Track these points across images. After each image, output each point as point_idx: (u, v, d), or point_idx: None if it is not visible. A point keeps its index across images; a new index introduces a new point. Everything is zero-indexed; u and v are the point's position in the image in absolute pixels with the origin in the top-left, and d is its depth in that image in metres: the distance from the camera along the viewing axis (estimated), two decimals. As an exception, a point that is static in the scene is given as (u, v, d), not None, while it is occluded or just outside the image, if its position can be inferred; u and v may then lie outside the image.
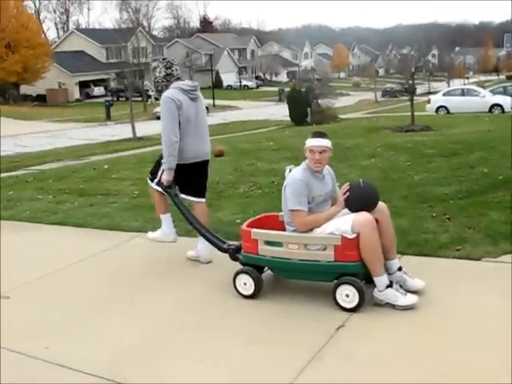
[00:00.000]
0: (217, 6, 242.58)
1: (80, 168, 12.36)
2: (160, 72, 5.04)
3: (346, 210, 4.09)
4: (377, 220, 3.97)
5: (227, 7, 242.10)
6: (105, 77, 56.28)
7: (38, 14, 77.30)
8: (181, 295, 4.50)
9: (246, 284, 4.26)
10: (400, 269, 4.14)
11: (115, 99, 50.09)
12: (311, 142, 4.13)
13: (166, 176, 4.91)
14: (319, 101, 28.57)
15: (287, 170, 4.33)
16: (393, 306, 3.88)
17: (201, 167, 5.12)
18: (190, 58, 67.50)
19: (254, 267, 4.28)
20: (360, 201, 4.03)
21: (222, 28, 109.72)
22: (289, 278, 4.39)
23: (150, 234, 5.46)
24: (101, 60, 61.82)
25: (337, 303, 3.92)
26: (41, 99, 53.80)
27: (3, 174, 12.53)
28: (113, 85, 56.96)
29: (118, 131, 27.65)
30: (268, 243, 4.19)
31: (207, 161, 5.20)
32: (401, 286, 3.98)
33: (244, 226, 4.38)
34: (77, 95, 58.53)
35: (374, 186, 4.19)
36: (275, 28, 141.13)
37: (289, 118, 27.94)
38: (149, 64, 44.57)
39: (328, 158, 4.17)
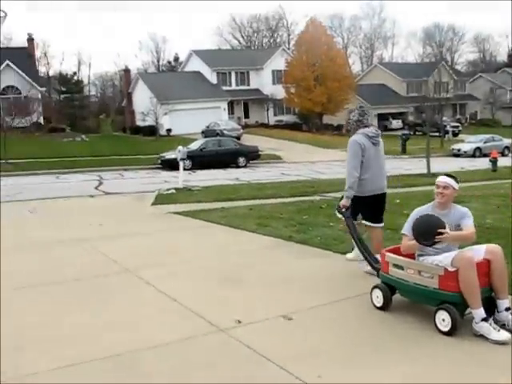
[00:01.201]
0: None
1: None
2: (354, 116, 6.23)
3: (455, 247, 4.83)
4: (489, 260, 4.55)
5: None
6: (403, 110, 56.70)
7: (346, 49, 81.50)
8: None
9: (378, 297, 5.10)
10: (508, 309, 4.49)
11: (412, 133, 50.00)
12: (438, 179, 5.01)
13: (343, 202, 6.13)
14: None
15: None
16: (486, 339, 4.29)
17: (377, 198, 6.28)
18: (494, 94, 64.33)
19: (387, 285, 5.06)
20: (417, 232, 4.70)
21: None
22: (406, 297, 5.09)
23: (348, 255, 6.77)
24: (401, 93, 62.58)
25: (435, 325, 4.52)
26: (340, 129, 56.31)
27: (300, 198, 13.30)
28: (411, 118, 57.10)
29: (413, 165, 27.49)
30: (395, 266, 4.98)
31: (384, 193, 6.36)
32: (504, 325, 4.39)
33: (384, 250, 5.21)
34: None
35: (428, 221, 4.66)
36: None
37: None
38: (449, 99, 43.56)
39: (450, 195, 4.90)
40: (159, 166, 28.82)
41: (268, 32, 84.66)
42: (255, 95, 57.90)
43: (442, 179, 4.98)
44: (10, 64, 45.02)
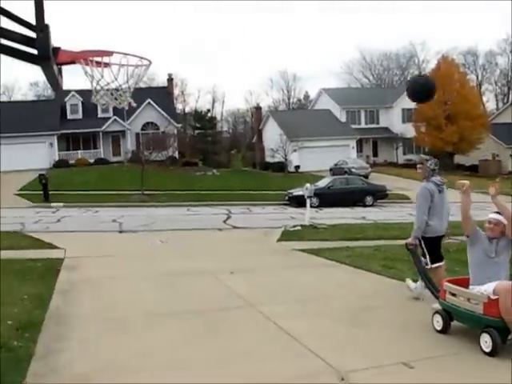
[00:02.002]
0: None
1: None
2: (431, 165, 7.09)
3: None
4: None
5: None
6: (543, 151, 53.50)
7: (480, 86, 78.42)
8: None
9: (438, 322, 5.72)
10: None
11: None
12: (489, 215, 5.72)
13: (410, 239, 6.99)
14: None
15: None
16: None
17: (439, 239, 7.10)
18: None
19: (445, 311, 5.68)
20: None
21: None
22: (459, 322, 5.58)
23: (409, 282, 7.42)
24: (541, 134, 59.03)
25: (480, 346, 5.07)
26: (472, 169, 54.06)
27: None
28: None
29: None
30: (450, 294, 5.62)
31: (444, 235, 7.19)
32: None
33: (443, 280, 5.89)
34: (510, 167, 56.87)
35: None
36: None
37: None
38: None
39: (498, 230, 5.57)
40: (286, 202, 29.14)
41: (398, 70, 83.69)
42: (384, 134, 57.23)
43: (491, 215, 5.73)
44: (151, 102, 47.91)
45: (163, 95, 50.76)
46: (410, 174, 46.98)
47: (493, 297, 5.07)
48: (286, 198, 29.38)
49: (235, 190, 34.20)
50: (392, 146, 56.74)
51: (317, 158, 46.78)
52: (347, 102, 57.28)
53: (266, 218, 21.33)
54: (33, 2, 3.37)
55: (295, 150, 47.17)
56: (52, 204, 26.68)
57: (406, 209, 27.70)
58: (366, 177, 38.89)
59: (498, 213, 5.60)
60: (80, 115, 48.90)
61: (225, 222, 19.84)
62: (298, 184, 29.08)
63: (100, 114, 48.30)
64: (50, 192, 28.24)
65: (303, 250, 11.70)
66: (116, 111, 46.99)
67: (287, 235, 14.44)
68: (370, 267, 9.42)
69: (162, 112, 48.12)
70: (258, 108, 62.06)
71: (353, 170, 41.37)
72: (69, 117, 48.56)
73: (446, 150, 51.85)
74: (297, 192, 27.13)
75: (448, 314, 5.63)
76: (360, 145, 55.74)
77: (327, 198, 27.93)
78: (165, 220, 19.69)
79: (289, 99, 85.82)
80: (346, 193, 29.57)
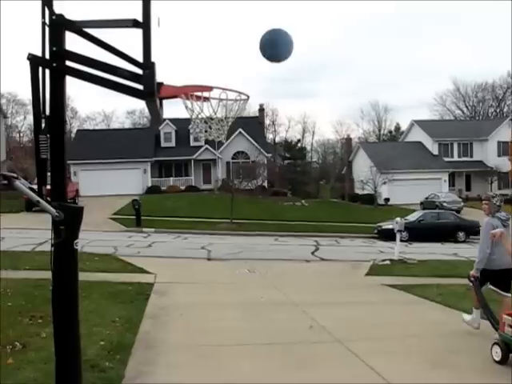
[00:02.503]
0: None
1: None
2: (497, 202, 7.44)
3: None
4: None
5: None
6: None
7: None
8: None
9: (497, 352, 5.97)
10: None
11: None
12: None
13: (473, 272, 7.24)
14: None
15: None
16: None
17: (506, 272, 7.11)
18: None
19: (504, 342, 5.92)
20: None
21: None
22: None
23: (465, 316, 7.68)
24: None
25: None
26: None
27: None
28: None
29: None
30: (508, 326, 5.90)
31: (510, 269, 7.03)
32: None
33: (502, 313, 6.19)
34: None
35: None
36: None
37: None
38: None
39: None
40: (375, 235, 28.65)
41: (494, 102, 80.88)
42: (478, 167, 55.33)
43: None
44: (242, 132, 48.79)
45: (254, 125, 51.57)
46: (505, 210, 45.14)
47: None
48: (375, 231, 28.88)
49: (323, 221, 34.01)
50: (486, 180, 54.69)
51: (407, 191, 45.87)
52: (440, 135, 55.96)
53: (354, 250, 21.05)
54: (141, 41, 3.55)
55: (385, 183, 46.45)
56: (144, 229, 27.50)
57: (501, 247, 26.53)
58: (458, 211, 37.68)
59: None
60: (173, 143, 50.55)
61: (313, 253, 19.73)
62: (388, 217, 28.60)
63: (192, 143, 49.73)
64: (143, 217, 29.13)
65: (392, 286, 11.44)
66: (208, 141, 48.16)
67: (376, 269, 14.18)
68: (462, 306, 9.05)
69: (253, 142, 48.85)
70: (349, 139, 61.90)
71: (444, 204, 40.25)
72: (162, 145, 50.35)
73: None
74: (386, 225, 26.60)
75: (507, 345, 5.88)
76: (452, 178, 54.18)
77: (417, 233, 27.16)
78: (252, 249, 19.82)
79: (379, 131, 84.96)
80: (437, 228, 28.72)
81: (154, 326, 7.47)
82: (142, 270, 12.66)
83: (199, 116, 3.93)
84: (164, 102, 3.97)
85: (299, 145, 67.19)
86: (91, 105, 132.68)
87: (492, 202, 7.47)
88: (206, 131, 4.06)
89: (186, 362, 5.97)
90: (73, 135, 57.86)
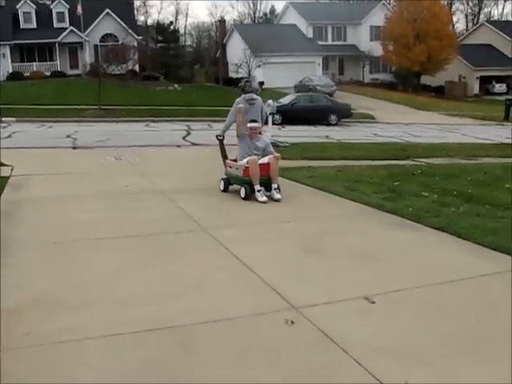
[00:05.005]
0: None
1: (470, 169, 11.65)
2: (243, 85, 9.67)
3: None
4: (268, 163, 8.52)
5: None
6: (509, 73, 53.40)
7: (450, 6, 76.89)
8: None
9: (221, 185, 9.08)
10: (275, 188, 8.44)
11: (517, 98, 47.02)
12: (248, 124, 9.09)
13: (220, 132, 9.53)
14: None
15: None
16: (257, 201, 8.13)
17: None
18: None
19: (227, 178, 9.04)
20: None
21: None
22: (234, 183, 9.01)
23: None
24: (508, 55, 58.71)
25: (240, 195, 8.55)
26: (438, 91, 53.85)
27: (391, 162, 12.58)
28: (516, 82, 53.62)
29: (516, 133, 25.72)
30: (229, 167, 9.04)
31: None
32: (269, 196, 8.35)
33: (227, 161, 9.17)
34: (476, 90, 56.83)
35: None
36: None
37: None
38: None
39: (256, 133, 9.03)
40: (249, 118, 28.43)
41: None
42: (351, 51, 56.21)
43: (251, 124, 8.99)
44: (110, 12, 45.68)
45: (123, 5, 48.38)
46: (376, 94, 46.65)
47: (246, 165, 8.40)
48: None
49: (197, 105, 33.29)
50: (359, 65, 55.88)
51: (281, 75, 45.68)
52: (314, 18, 55.80)
53: (227, 134, 20.71)
54: None
55: (259, 66, 45.90)
56: (3, 119, 25.46)
57: (370, 129, 27.45)
58: (331, 95, 38.25)
59: (254, 121, 9.05)
60: (34, 24, 46.38)
61: (184, 138, 19.25)
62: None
63: (56, 24, 46.04)
64: (2, 106, 26.95)
65: (263, 170, 11.26)
66: (73, 21, 44.82)
67: (247, 154, 13.95)
68: (332, 189, 9.06)
69: (122, 23, 45.98)
70: (223, 21, 60.10)
71: (318, 87, 40.62)
72: (22, 26, 46.02)
73: (413, 70, 51.34)
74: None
75: (228, 180, 8.91)
76: (326, 62, 54.78)
77: (290, 116, 27.26)
78: (121, 136, 18.97)
79: (254, 13, 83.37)
80: (310, 111, 28.96)
81: (4, 223, 6.75)
82: (-4, 163, 11.62)
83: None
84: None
85: (172, 27, 64.25)
86: None
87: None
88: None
89: (38, 262, 5.42)
90: None
